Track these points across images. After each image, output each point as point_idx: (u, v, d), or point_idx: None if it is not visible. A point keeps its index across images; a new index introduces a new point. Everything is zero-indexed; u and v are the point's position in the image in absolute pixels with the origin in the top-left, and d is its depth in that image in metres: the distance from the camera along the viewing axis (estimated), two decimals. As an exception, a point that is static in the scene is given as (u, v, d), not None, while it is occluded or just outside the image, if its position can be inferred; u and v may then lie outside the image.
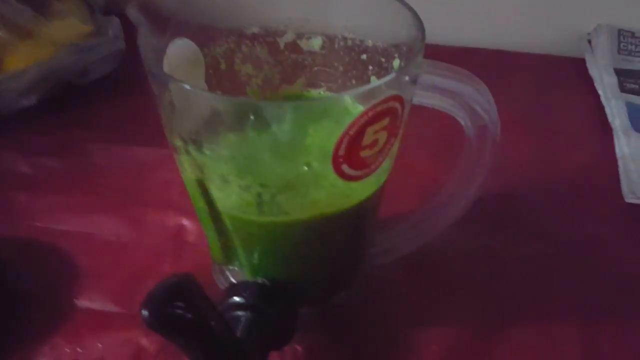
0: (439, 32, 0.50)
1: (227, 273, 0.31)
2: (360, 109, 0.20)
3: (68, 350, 0.30)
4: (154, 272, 0.34)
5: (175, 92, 0.22)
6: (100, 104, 0.48)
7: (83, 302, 0.33)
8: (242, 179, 0.22)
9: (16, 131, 0.44)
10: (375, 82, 0.20)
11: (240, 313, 0.26)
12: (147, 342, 0.30)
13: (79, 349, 0.30)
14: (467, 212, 0.30)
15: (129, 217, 0.38)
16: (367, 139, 0.21)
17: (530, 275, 0.34)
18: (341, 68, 0.29)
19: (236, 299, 0.27)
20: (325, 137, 0.22)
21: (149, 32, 0.24)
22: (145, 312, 0.21)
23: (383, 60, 0.27)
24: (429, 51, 0.22)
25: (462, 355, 0.30)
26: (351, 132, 0.21)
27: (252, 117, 0.21)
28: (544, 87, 0.50)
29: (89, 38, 0.48)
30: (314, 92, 0.30)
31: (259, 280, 0.27)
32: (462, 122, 0.23)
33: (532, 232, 0.37)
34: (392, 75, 0.20)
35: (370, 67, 0.28)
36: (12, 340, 0.31)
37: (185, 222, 0.37)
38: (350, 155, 0.21)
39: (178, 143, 0.23)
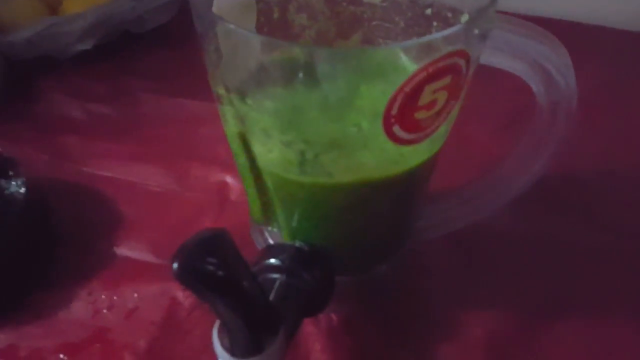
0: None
1: (266, 234, 0.30)
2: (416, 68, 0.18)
3: (104, 297, 0.30)
4: (195, 225, 0.34)
5: (222, 36, 0.20)
6: (154, 53, 0.47)
7: (123, 250, 0.33)
8: (285, 134, 0.21)
9: (71, 75, 0.44)
10: (440, 32, 0.18)
11: (275, 276, 0.25)
12: (182, 296, 0.30)
13: (115, 297, 0.30)
14: (527, 192, 0.27)
15: (173, 169, 0.37)
16: (425, 98, 0.19)
17: (590, 270, 0.31)
18: (402, 23, 0.27)
19: (272, 260, 0.26)
20: (377, 97, 0.20)
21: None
22: (175, 265, 0.20)
23: (450, 15, 0.24)
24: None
25: (507, 343, 0.28)
26: (407, 89, 0.19)
27: (301, 70, 0.20)
28: (630, 65, 0.46)
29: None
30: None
31: (297, 243, 0.26)
32: (534, 88, 0.20)
33: (598, 222, 0.33)
34: (459, 27, 0.18)
35: (435, 23, 0.25)
36: (50, 282, 0.31)
37: (229, 179, 0.36)
38: (403, 116, 0.19)
39: (221, 92, 0.22)
